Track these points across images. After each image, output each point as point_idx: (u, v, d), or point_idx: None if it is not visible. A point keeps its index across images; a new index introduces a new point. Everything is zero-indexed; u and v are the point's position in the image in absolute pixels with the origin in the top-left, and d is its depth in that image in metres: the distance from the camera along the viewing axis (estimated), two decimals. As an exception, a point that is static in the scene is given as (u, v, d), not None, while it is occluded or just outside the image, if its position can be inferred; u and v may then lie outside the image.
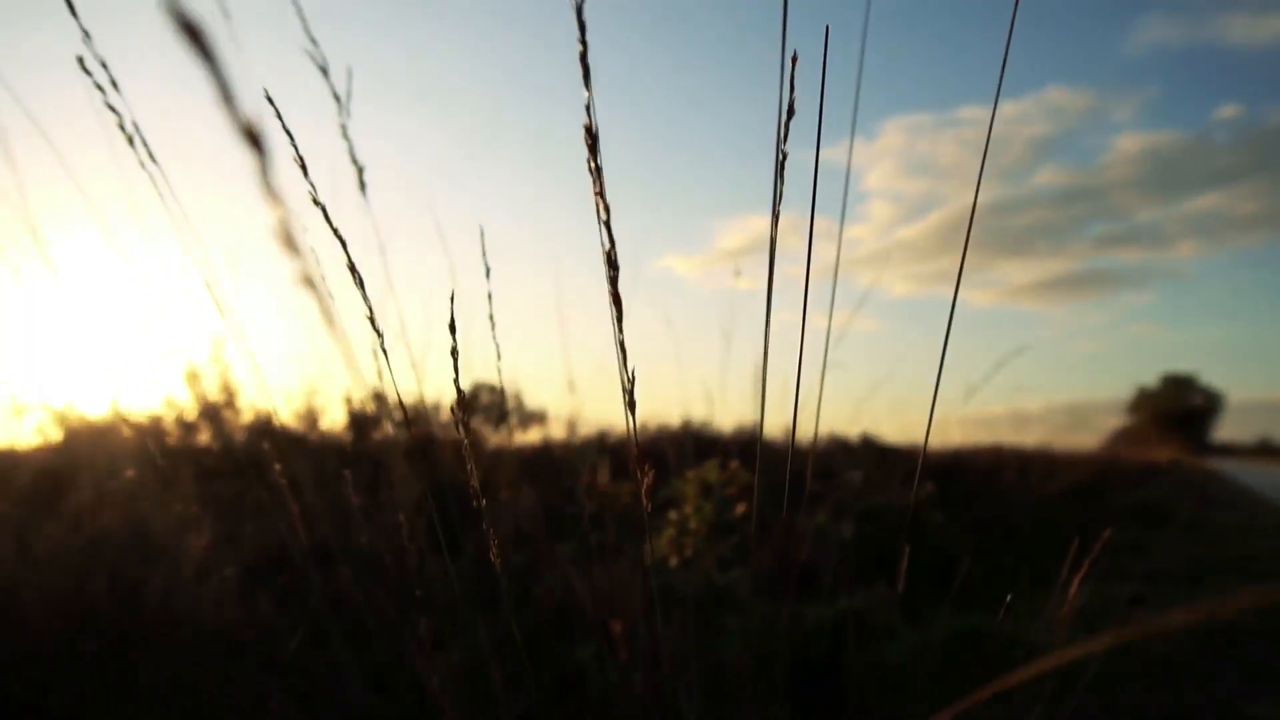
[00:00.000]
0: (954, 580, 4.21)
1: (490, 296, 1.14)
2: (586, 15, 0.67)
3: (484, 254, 1.01)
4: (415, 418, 5.18)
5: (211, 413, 3.25)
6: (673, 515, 2.81)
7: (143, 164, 0.91)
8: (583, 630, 1.96)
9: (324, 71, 1.08)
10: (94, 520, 1.43)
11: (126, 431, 3.42)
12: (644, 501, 0.76)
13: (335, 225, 0.76)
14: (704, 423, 6.64)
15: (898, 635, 3.00)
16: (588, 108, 0.65)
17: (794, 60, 0.71)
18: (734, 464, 2.82)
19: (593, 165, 0.67)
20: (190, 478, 2.28)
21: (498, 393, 5.56)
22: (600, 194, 0.68)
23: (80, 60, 0.85)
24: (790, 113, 0.72)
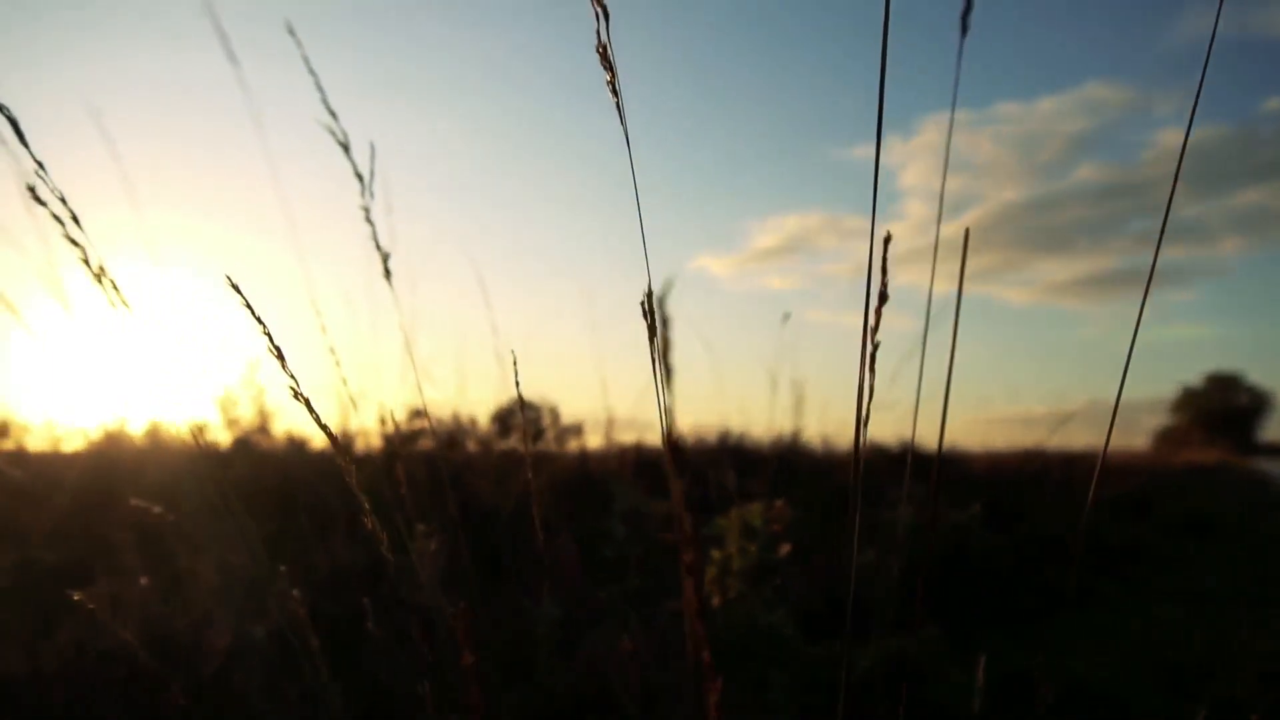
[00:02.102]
0: (1003, 605, 4.07)
1: (514, 354, 1.04)
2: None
3: (504, 352, 0.93)
4: (452, 432, 5.13)
5: (245, 441, 3.21)
6: (715, 554, 2.72)
7: (113, 304, 0.84)
8: (626, 700, 1.87)
9: (345, 149, 1.00)
10: (109, 623, 1.37)
11: (159, 455, 3.39)
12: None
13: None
14: (742, 434, 6.56)
15: (947, 676, 2.88)
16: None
17: (886, 241, 0.61)
18: (779, 503, 2.71)
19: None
20: (218, 520, 2.23)
21: (534, 409, 5.53)
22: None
23: (32, 190, 0.78)
24: (883, 298, 0.62)
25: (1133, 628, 3.97)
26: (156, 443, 3.37)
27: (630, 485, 4.42)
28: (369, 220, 1.00)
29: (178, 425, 4.07)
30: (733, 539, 2.68)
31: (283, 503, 2.76)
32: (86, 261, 0.82)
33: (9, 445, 3.55)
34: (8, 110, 0.76)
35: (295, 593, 1.02)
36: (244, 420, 3.72)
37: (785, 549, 2.66)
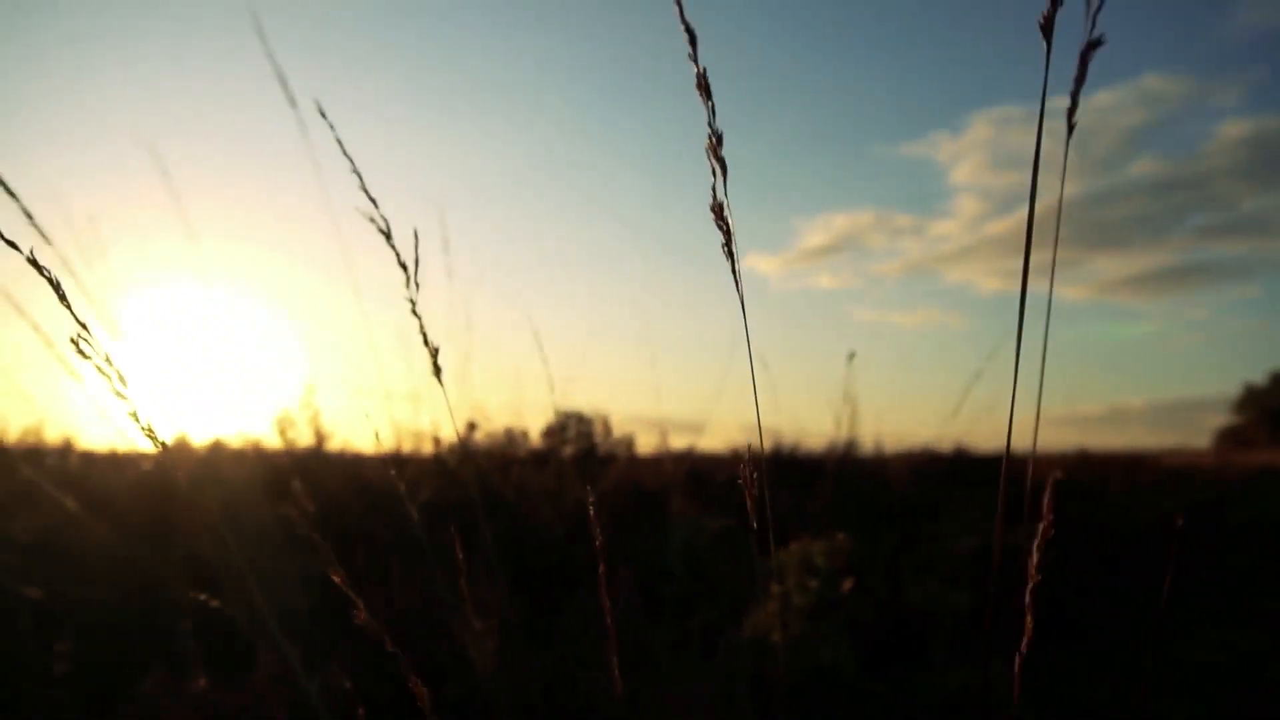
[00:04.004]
0: (1072, 634, 3.94)
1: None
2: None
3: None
4: (504, 448, 5.13)
5: (301, 467, 3.22)
6: (774, 588, 2.66)
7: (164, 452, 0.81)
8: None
9: (387, 236, 0.95)
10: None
11: (216, 477, 3.42)
12: None
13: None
14: (796, 444, 6.45)
15: (1017, 714, 2.79)
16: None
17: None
18: (841, 537, 2.64)
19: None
20: (277, 561, 2.23)
21: (586, 421, 5.52)
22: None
23: (75, 343, 0.75)
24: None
25: (1225, 662, 3.77)
26: (213, 465, 3.40)
27: (684, 497, 4.37)
28: (415, 314, 0.96)
29: (236, 444, 4.11)
30: (793, 574, 2.61)
31: (339, 533, 2.76)
32: (135, 415, 0.79)
33: (73, 466, 3.61)
34: (48, 271, 0.73)
35: (360, 713, 0.98)
36: (300, 440, 3.75)
37: (848, 584, 2.59)
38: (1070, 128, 0.68)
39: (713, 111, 0.48)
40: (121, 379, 0.77)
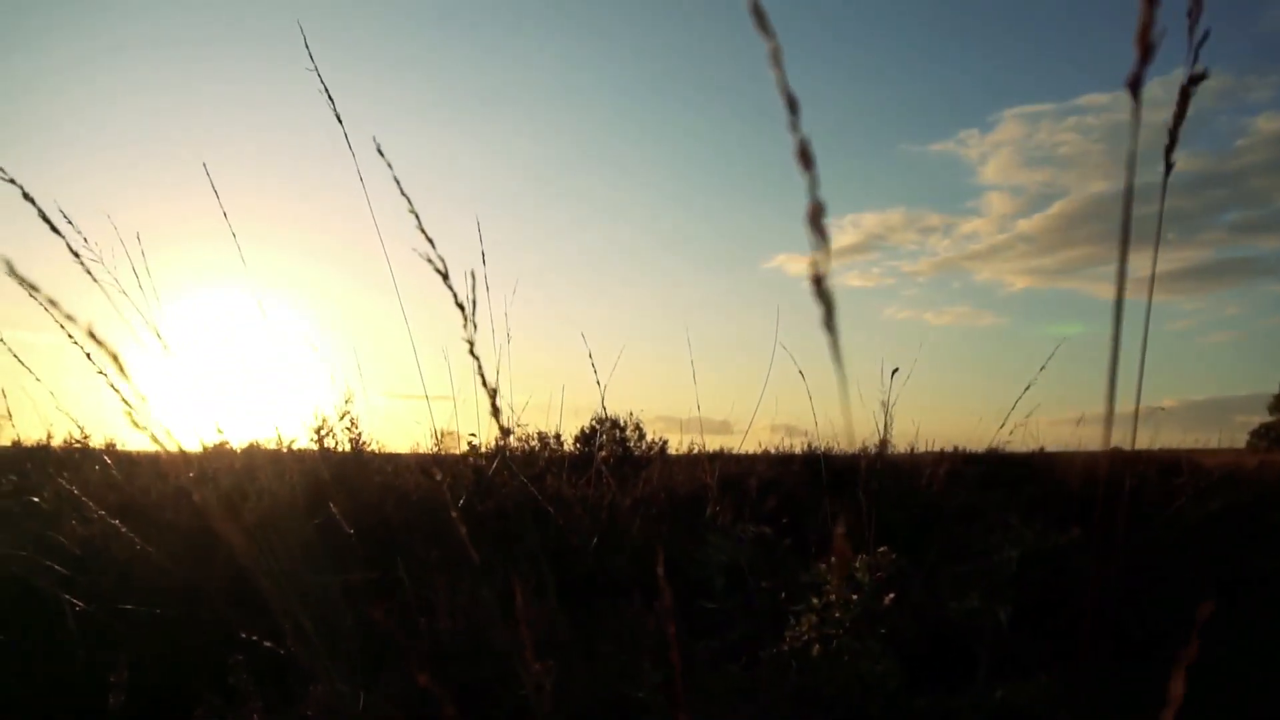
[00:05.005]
0: (1116, 646, 3.88)
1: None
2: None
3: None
4: (537, 452, 5.14)
5: (339, 472, 3.24)
6: (815, 601, 2.63)
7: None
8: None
9: (444, 276, 0.95)
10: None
11: (257, 485, 3.45)
12: None
13: None
14: (829, 448, 6.41)
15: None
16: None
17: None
18: (882, 549, 2.62)
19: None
20: (314, 575, 2.24)
21: (620, 426, 5.53)
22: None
23: (130, 415, 0.75)
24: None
25: (1272, 678, 3.65)
26: (252, 471, 3.43)
27: (718, 503, 4.35)
28: (473, 354, 0.95)
29: (273, 448, 4.14)
30: (834, 587, 2.59)
31: (379, 542, 2.78)
32: (194, 486, 0.80)
33: (117, 471, 3.65)
34: (109, 345, 0.74)
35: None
36: (337, 446, 3.78)
37: (890, 598, 2.56)
38: (1168, 167, 0.66)
39: (815, 180, 0.46)
40: (182, 451, 0.77)
